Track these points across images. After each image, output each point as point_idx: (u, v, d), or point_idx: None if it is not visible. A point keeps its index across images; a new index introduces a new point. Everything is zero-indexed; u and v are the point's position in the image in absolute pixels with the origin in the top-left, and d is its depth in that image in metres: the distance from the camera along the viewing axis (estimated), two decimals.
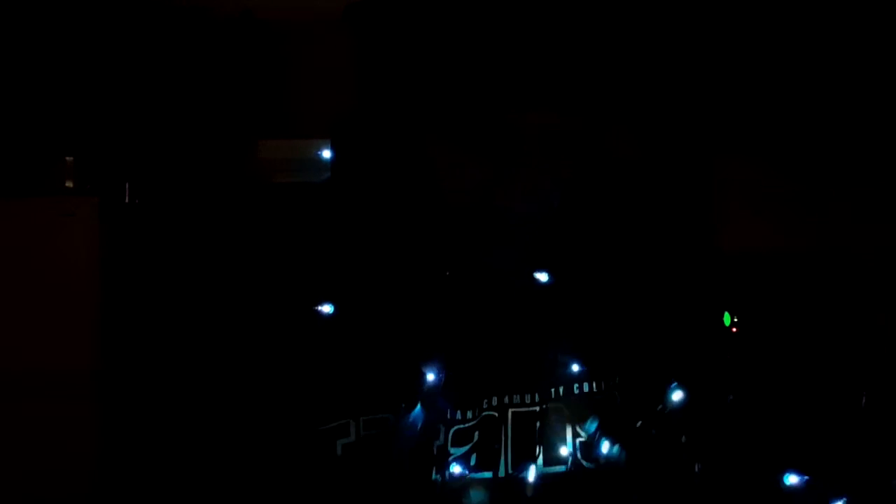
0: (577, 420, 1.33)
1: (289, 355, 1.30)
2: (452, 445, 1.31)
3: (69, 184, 3.08)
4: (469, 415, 1.31)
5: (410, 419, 1.29)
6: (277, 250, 1.38)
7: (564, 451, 1.32)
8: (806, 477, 1.45)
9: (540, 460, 1.32)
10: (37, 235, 2.95)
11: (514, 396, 1.32)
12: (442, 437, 1.31)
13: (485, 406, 1.32)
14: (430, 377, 1.27)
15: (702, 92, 3.15)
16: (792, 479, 1.44)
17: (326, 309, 1.27)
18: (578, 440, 1.33)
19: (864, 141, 3.09)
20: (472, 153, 1.25)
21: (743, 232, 2.96)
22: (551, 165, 1.27)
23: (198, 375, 1.48)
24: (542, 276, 1.30)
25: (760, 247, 2.95)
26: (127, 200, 3.11)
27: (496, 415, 1.32)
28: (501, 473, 1.32)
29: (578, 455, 1.33)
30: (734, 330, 1.58)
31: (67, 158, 3.09)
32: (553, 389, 1.33)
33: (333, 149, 1.41)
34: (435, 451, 1.30)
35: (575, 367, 1.32)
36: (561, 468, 1.33)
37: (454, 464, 1.28)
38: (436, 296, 1.29)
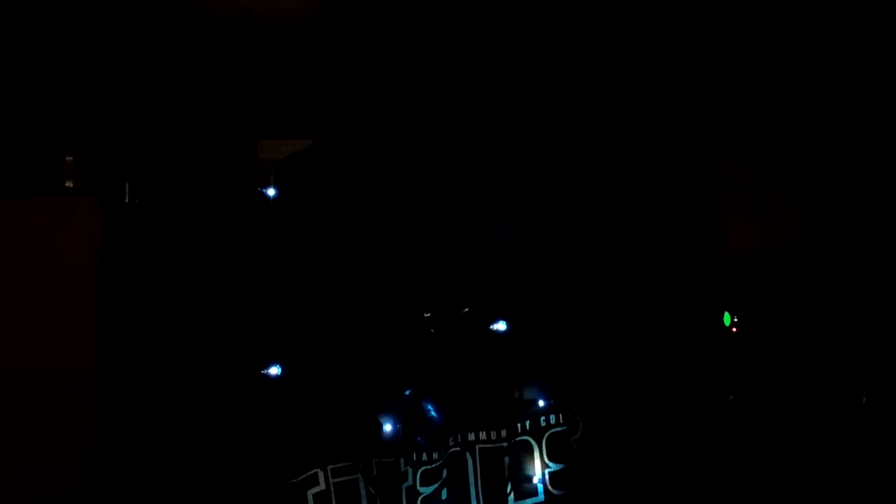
0: (546, 451, 1.35)
1: (244, 416, 1.31)
2: (421, 485, 1.33)
3: (69, 184, 3.08)
4: (435, 455, 1.33)
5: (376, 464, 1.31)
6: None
7: (535, 482, 1.34)
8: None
9: (511, 494, 1.34)
10: (37, 235, 2.95)
11: (480, 433, 1.35)
12: (410, 478, 1.33)
13: (451, 444, 1.34)
14: (387, 428, 1.30)
15: (700, 92, 3.15)
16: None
17: (274, 371, 1.29)
18: (548, 471, 1.35)
19: (863, 142, 3.09)
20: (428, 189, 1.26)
21: (743, 233, 2.96)
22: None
23: (195, 375, 1.48)
24: (500, 326, 1.32)
25: (760, 247, 2.95)
26: (127, 200, 3.11)
27: (464, 451, 1.34)
28: None
29: (549, 485, 1.35)
30: (734, 330, 1.58)
31: (67, 158, 3.10)
32: (519, 424, 1.35)
33: (277, 188, 1.40)
34: (404, 493, 1.32)
35: (540, 403, 1.34)
36: (533, 500, 1.35)
37: None
38: (395, 343, 1.31)
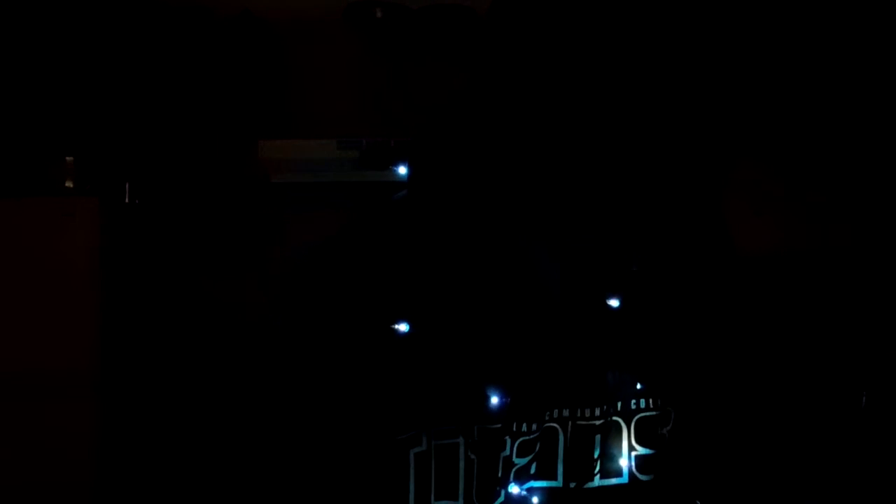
0: (634, 434, 1.37)
1: (366, 369, 1.32)
2: (517, 456, 1.35)
3: (69, 184, 3.08)
4: (533, 426, 1.35)
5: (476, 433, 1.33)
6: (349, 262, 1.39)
7: (622, 463, 1.36)
8: None
9: (598, 474, 1.36)
10: (37, 235, 2.95)
11: (576, 410, 1.36)
12: (508, 448, 1.34)
13: (546, 418, 1.35)
14: (494, 400, 1.31)
15: (700, 91, 3.15)
16: None
17: (402, 327, 1.30)
18: (635, 454, 1.36)
19: (867, 140, 3.10)
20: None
21: (743, 231, 2.96)
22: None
23: (196, 376, 1.49)
24: (614, 302, 1.33)
25: (760, 246, 2.95)
26: (127, 200, 3.11)
27: (557, 426, 1.36)
28: (560, 483, 1.36)
29: (635, 468, 1.36)
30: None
31: (67, 158, 3.10)
32: (612, 404, 1.36)
33: (411, 166, 1.40)
34: (500, 462, 1.34)
35: (634, 385, 1.36)
36: (618, 480, 1.37)
37: (513, 483, 1.33)
38: (503, 316, 1.32)
